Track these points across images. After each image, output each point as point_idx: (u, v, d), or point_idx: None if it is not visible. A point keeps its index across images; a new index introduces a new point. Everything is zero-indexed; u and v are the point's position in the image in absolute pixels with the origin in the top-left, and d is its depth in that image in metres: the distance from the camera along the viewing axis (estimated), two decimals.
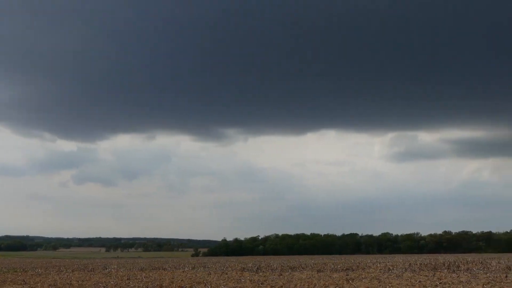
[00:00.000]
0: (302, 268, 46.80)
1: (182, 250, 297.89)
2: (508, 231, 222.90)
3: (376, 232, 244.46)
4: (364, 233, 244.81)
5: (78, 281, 34.36)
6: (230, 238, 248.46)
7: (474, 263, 49.20)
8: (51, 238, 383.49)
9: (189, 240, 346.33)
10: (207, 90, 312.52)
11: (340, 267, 45.89)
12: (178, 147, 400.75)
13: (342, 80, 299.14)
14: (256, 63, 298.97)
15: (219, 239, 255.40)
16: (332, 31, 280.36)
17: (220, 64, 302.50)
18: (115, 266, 59.32)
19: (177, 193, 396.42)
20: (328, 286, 25.95)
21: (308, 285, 26.48)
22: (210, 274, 39.63)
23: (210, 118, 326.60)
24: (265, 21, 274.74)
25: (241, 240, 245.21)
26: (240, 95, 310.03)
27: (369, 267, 46.63)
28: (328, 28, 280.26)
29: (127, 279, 35.41)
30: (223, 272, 41.50)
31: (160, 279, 34.64)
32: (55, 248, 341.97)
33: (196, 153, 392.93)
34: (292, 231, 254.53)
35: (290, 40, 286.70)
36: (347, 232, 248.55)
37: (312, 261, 72.60)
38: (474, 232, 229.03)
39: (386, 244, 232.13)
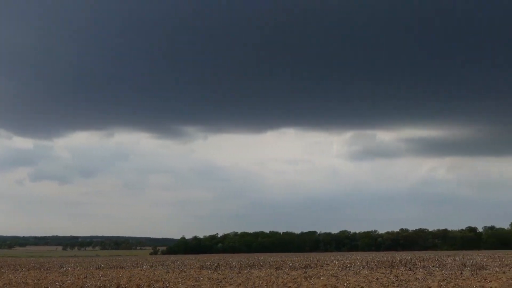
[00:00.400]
0: (261, 266, 46.84)
1: (140, 249, 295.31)
2: (463, 229, 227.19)
3: (335, 230, 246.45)
4: (323, 231, 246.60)
5: (34, 280, 33.69)
6: (189, 236, 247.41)
7: (430, 261, 50.03)
8: (7, 237, 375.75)
9: (148, 239, 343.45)
10: (167, 88, 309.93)
11: (298, 265, 46.07)
12: (137, 144, 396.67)
13: (302, 79, 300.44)
14: (217, 62, 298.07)
15: (178, 237, 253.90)
16: (291, 31, 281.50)
17: (180, 62, 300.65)
18: (72, 265, 58.43)
19: (135, 191, 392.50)
20: (286, 283, 25.98)
21: (266, 283, 26.47)
22: (169, 272, 39.33)
23: (170, 116, 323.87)
24: (225, 19, 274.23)
25: (200, 238, 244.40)
26: (200, 93, 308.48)
27: (327, 264, 46.96)
28: (287, 28, 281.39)
29: (84, 277, 34.88)
30: (181, 270, 41.25)
31: (117, 277, 34.22)
32: (10, 246, 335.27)
33: (155, 150, 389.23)
34: (251, 229, 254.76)
35: (251, 39, 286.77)
36: (305, 230, 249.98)
37: (271, 259, 72.80)
38: (430, 230, 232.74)
39: (344, 242, 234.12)
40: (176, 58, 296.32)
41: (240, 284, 26.42)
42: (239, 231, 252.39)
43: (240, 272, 36.26)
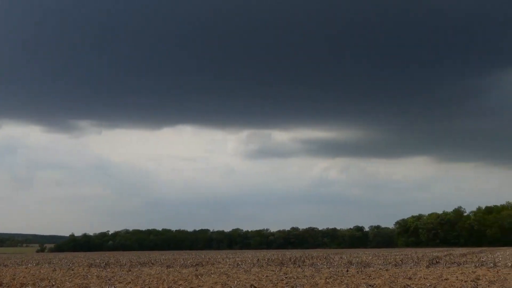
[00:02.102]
0: (152, 263, 46.35)
1: (26, 246, 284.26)
2: (351, 228, 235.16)
3: (227, 228, 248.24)
4: (216, 229, 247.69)
5: None
6: (78, 233, 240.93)
7: (318, 258, 51.38)
8: None
9: (35, 236, 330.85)
10: (60, 79, 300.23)
11: (190, 263, 45.99)
12: (27, 138, 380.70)
13: (199, 77, 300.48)
14: (113, 56, 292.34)
15: (67, 234, 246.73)
16: (189, 29, 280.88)
17: (75, 54, 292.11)
18: None
19: (23, 185, 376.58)
20: (177, 281, 25.83)
21: (157, 281, 26.20)
22: (55, 270, 38.09)
23: (63, 109, 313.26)
24: (124, 15, 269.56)
25: (90, 236, 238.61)
26: (95, 87, 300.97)
27: (219, 262, 47.18)
28: (185, 26, 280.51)
29: None
30: (69, 268, 40.08)
31: (0, 275, 32.73)
32: None
33: (45, 144, 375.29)
34: (144, 227, 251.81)
35: (149, 35, 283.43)
36: (198, 228, 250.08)
37: (163, 257, 72.22)
38: (320, 229, 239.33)
39: (237, 240, 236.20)
40: (71, 50, 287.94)
41: (130, 282, 25.99)
42: (131, 228, 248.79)
43: (130, 270, 35.70)
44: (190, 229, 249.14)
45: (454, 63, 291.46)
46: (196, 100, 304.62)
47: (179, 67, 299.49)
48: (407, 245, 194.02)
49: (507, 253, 64.07)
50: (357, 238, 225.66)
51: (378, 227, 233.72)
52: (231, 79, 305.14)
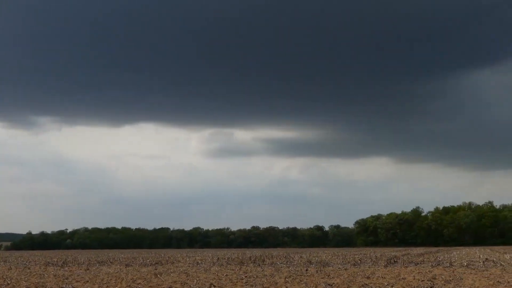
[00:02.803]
0: (111, 262, 45.90)
1: None
2: (312, 227, 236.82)
3: (188, 227, 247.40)
4: (176, 228, 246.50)
5: None
6: (36, 231, 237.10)
7: (278, 257, 51.55)
8: None
9: None
10: (21, 75, 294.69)
11: (149, 262, 45.68)
12: None
13: (162, 75, 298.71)
14: (75, 52, 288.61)
15: (24, 232, 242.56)
16: (149, 28, 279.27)
17: (34, 49, 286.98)
18: None
19: None
20: (136, 280, 25.61)
21: (115, 280, 25.92)
22: (11, 269, 37.40)
23: (22, 105, 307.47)
24: (81, 10, 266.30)
25: (48, 234, 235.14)
26: (55, 84, 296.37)
27: (179, 261, 46.98)
28: (146, 24, 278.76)
29: None
30: (25, 267, 39.40)
31: None
32: None
33: (3, 140, 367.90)
34: (103, 225, 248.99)
35: (109, 30, 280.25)
36: (158, 226, 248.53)
37: (122, 255, 71.59)
38: (280, 228, 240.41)
39: (197, 239, 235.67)
40: (30, 45, 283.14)
41: (88, 281, 25.65)
42: (90, 226, 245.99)
43: (88, 269, 35.27)
44: (150, 227, 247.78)
45: (414, 65, 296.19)
46: (159, 98, 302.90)
47: (142, 65, 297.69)
48: (366, 244, 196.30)
49: (463, 252, 65.32)
50: (317, 238, 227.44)
51: (338, 226, 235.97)
52: (194, 78, 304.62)
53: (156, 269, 33.64)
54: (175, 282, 24.45)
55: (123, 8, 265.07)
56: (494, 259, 41.69)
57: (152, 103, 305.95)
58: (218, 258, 54.22)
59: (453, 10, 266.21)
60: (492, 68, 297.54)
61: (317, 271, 30.14)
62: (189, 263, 41.71)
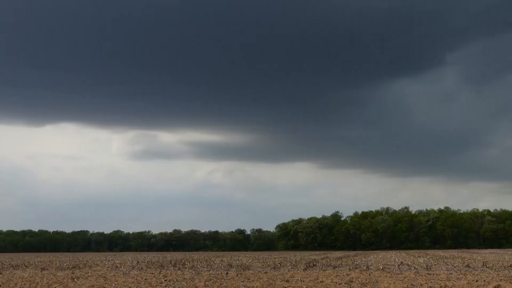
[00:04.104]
0: (26, 266, 44.46)
1: None
2: (233, 231, 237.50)
3: (108, 230, 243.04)
4: (96, 231, 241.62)
5: None
6: None
7: (199, 261, 51.39)
8: None
9: None
10: None
11: (66, 265, 44.55)
12: None
13: (86, 74, 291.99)
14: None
15: None
16: (75, 25, 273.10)
17: None
18: None
19: None
20: (51, 284, 24.91)
21: (30, 284, 25.13)
22: None
23: None
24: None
25: None
26: None
27: (97, 265, 46.03)
28: (72, 21, 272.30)
29: None
30: None
31: None
32: None
33: None
34: (18, 227, 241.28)
35: (33, 26, 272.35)
36: (77, 229, 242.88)
37: (38, 259, 69.46)
38: (202, 231, 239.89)
39: (117, 242, 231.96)
40: None
41: (1, 286, 24.76)
42: (5, 229, 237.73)
43: (1, 273, 34.03)
44: (68, 230, 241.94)
45: (337, 73, 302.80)
46: (82, 97, 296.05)
47: (65, 63, 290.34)
48: (287, 248, 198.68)
49: (380, 256, 67.08)
50: (239, 241, 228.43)
51: (259, 230, 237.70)
52: (118, 78, 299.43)
53: (73, 273, 32.85)
54: (92, 286, 23.96)
55: (44, 4, 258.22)
56: (409, 262, 43.03)
57: (74, 102, 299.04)
58: (138, 261, 53.49)
59: (381, 19, 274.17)
60: (414, 78, 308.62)
61: (237, 274, 30.24)
62: (108, 267, 40.95)
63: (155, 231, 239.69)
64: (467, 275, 27.81)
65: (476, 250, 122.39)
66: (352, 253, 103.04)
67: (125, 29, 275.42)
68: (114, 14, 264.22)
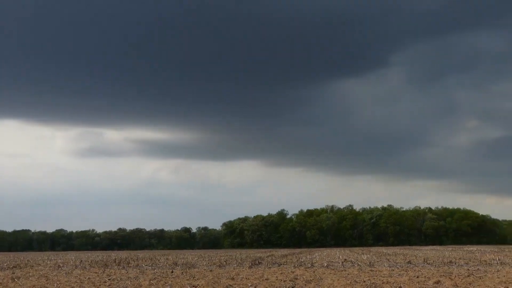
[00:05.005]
0: None
1: None
2: (179, 229, 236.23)
3: (51, 229, 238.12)
4: (38, 230, 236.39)
5: None
6: None
7: (144, 260, 50.92)
8: None
9: None
10: None
11: (6, 265, 43.46)
12: None
13: (26, 69, 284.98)
14: None
15: None
16: (17, 21, 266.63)
17: None
18: None
19: None
20: None
21: None
22: None
23: None
24: None
25: None
26: None
27: (39, 264, 45.09)
28: (11, 16, 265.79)
29: None
30: None
31: None
32: None
33: None
34: None
35: None
36: (19, 228, 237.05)
37: None
38: (148, 230, 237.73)
39: (60, 241, 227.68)
40: None
41: None
42: None
43: None
44: (9, 229, 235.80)
45: (283, 72, 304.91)
46: (24, 94, 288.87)
47: (7, 59, 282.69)
48: (233, 246, 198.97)
49: (324, 253, 67.86)
50: (185, 239, 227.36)
51: (205, 228, 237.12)
52: (63, 75, 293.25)
53: (14, 273, 32.09)
54: (33, 286, 23.45)
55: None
56: (352, 259, 43.68)
57: (16, 99, 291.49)
58: (81, 260, 52.62)
59: (326, 19, 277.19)
60: (359, 78, 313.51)
61: (182, 272, 30.11)
62: (50, 267, 40.16)
63: (99, 229, 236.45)
64: (408, 271, 28.43)
65: (417, 247, 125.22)
66: (297, 250, 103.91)
67: (71, 25, 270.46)
68: (60, 8, 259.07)
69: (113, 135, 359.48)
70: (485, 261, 37.88)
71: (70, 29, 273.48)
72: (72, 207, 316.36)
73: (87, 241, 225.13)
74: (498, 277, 23.85)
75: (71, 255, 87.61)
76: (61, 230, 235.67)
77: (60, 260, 55.83)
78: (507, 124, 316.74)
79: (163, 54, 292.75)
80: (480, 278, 23.46)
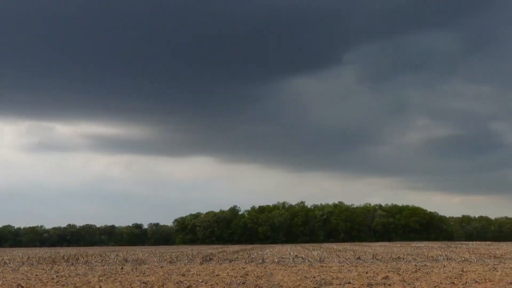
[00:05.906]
0: None
1: None
2: (130, 225, 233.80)
3: None
4: None
5: None
6: None
7: (93, 256, 50.31)
8: None
9: None
10: None
11: None
12: None
13: None
14: None
15: None
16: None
17: None
18: None
19: None
20: None
21: None
22: None
23: None
24: None
25: None
26: None
27: None
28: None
29: None
30: None
31: None
32: None
33: None
34: None
35: None
36: None
37: None
38: (98, 226, 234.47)
39: (7, 237, 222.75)
40: None
41: None
42: None
43: None
44: None
45: (237, 69, 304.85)
46: None
47: None
48: (185, 242, 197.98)
49: (275, 250, 68.28)
50: (136, 236, 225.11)
51: (157, 224, 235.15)
52: (12, 68, 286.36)
53: None
54: None
55: None
56: (303, 255, 44.08)
57: None
58: (29, 257, 51.65)
59: (280, 16, 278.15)
60: (312, 76, 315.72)
61: (132, 269, 29.86)
62: None
63: (48, 225, 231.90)
64: (357, 267, 28.85)
65: (367, 243, 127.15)
66: (249, 246, 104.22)
67: (25, 22, 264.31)
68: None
69: (64, 129, 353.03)
70: (432, 257, 38.73)
71: (22, 25, 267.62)
72: (21, 202, 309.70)
73: (35, 237, 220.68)
74: (444, 272, 24.43)
75: (18, 252, 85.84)
76: (8, 226, 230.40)
77: (6, 257, 54.67)
78: (456, 123, 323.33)
79: (117, 49, 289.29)
80: (427, 274, 23.98)
